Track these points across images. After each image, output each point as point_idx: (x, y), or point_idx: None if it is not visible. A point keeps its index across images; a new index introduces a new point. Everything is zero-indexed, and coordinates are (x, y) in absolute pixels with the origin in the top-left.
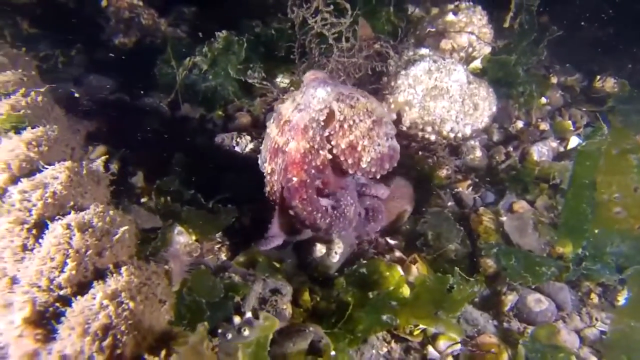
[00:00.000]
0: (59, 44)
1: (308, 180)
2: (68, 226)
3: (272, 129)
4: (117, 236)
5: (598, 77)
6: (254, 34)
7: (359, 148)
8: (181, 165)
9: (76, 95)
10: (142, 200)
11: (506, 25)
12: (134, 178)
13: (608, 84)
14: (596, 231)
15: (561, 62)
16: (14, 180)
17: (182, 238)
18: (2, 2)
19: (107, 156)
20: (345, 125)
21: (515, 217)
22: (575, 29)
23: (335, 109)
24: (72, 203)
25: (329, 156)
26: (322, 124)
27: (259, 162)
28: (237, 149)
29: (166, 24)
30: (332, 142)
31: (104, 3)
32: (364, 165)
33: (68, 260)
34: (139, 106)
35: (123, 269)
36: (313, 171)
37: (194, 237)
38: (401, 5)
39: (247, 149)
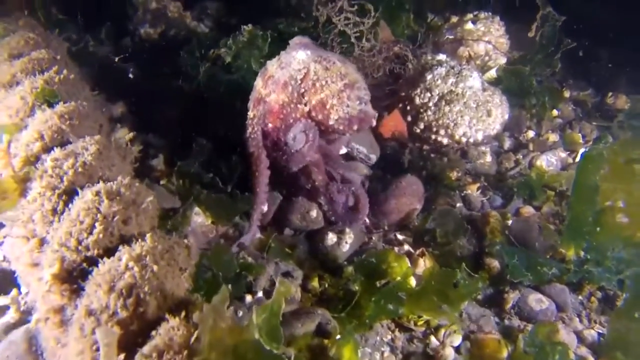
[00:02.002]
0: (86, 30)
1: (283, 127)
2: (97, 193)
3: (258, 81)
4: (143, 205)
5: (610, 93)
6: (278, 31)
7: (328, 106)
8: (202, 149)
9: (131, 76)
10: (162, 182)
11: (532, 34)
12: (155, 160)
13: (620, 100)
14: (598, 236)
15: (575, 77)
16: (47, 150)
17: (199, 219)
18: None
19: (133, 133)
20: (318, 85)
21: (521, 220)
22: (590, 46)
23: (311, 69)
24: (100, 174)
25: (307, 109)
26: (300, 82)
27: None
28: None
29: (190, 17)
30: (305, 98)
31: None
32: (331, 122)
33: (96, 224)
34: (162, 93)
35: (147, 235)
36: (291, 121)
37: (210, 220)
38: (421, 13)
39: None
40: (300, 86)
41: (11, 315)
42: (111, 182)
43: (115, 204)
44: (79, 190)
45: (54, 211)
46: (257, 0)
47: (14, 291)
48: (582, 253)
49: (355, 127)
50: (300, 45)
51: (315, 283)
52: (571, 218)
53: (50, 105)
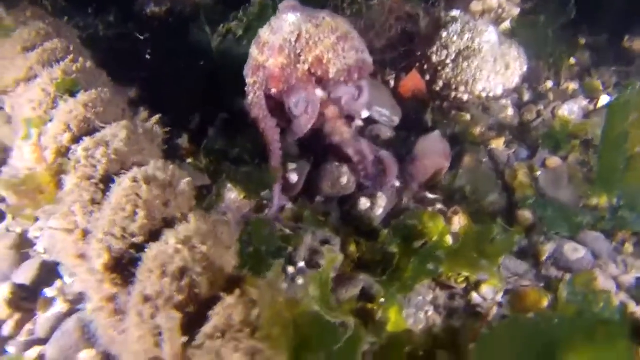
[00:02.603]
0: (93, 15)
1: (286, 89)
2: (135, 179)
3: (253, 50)
4: (181, 186)
5: (627, 36)
6: None
7: (325, 61)
8: (225, 124)
9: (148, 57)
10: (188, 161)
11: None
12: (180, 140)
13: (636, 43)
14: (630, 182)
15: (589, 24)
16: (76, 140)
17: (232, 195)
18: None
19: (159, 115)
20: (311, 42)
21: (549, 171)
22: None
23: (302, 29)
24: (132, 159)
25: (306, 67)
26: (295, 43)
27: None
28: None
29: None
30: (302, 57)
31: None
32: (332, 75)
33: (138, 210)
34: (174, 72)
35: (190, 216)
36: (293, 82)
37: (242, 195)
38: None
39: None
40: (295, 47)
41: (60, 306)
42: (146, 167)
43: (154, 188)
44: (115, 178)
45: (93, 201)
46: None
47: (59, 282)
48: (615, 200)
49: (356, 76)
50: (288, 8)
51: (352, 248)
52: (601, 166)
53: (72, 94)
